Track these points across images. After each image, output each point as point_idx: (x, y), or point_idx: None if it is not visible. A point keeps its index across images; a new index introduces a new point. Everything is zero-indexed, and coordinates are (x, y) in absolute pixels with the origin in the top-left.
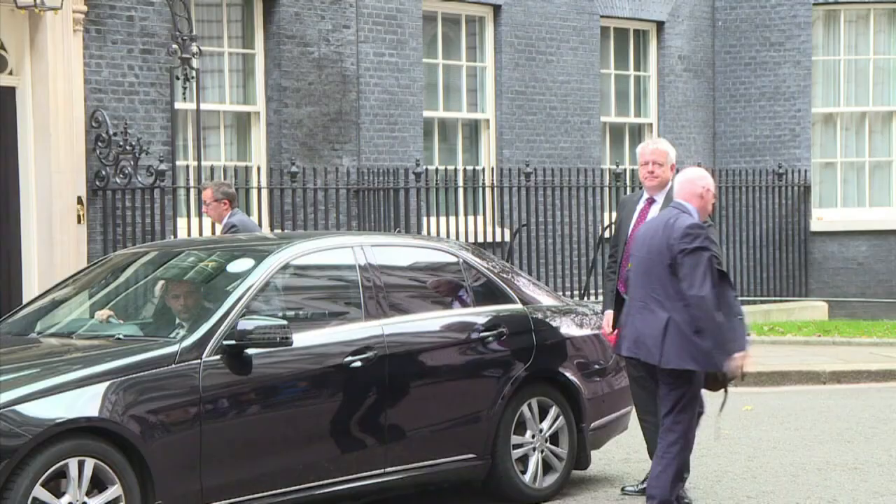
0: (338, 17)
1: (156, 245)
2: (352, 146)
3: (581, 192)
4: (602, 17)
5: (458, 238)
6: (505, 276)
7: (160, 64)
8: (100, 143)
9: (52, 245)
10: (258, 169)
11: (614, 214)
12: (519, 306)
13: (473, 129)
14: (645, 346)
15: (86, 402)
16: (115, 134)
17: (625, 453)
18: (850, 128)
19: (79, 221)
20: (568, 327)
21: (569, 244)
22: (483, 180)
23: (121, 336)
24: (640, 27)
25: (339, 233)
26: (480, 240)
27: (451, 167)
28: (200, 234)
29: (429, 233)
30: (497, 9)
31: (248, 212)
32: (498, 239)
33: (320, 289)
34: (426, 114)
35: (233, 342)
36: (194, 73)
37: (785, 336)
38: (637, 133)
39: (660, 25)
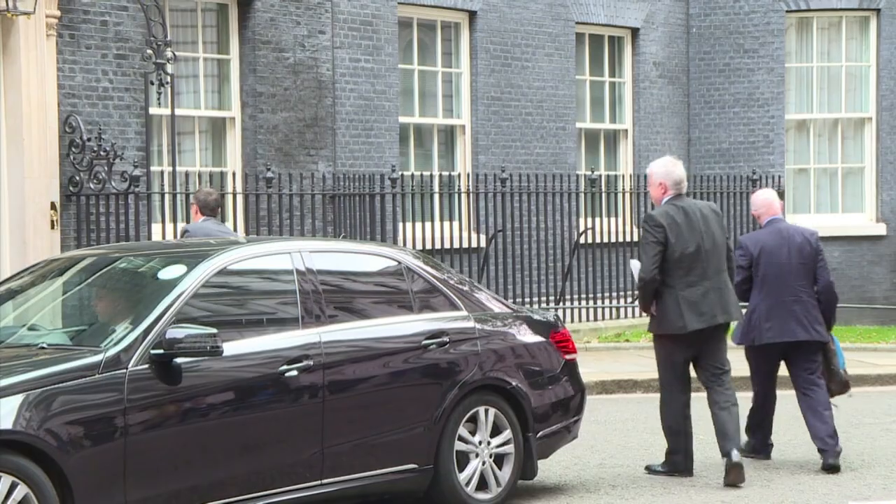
0: (313, 22)
1: (97, 249)
2: (327, 152)
3: (556, 197)
4: (577, 23)
5: (433, 244)
6: (451, 282)
7: (134, 69)
8: (73, 149)
9: (26, 251)
10: (233, 174)
11: (590, 220)
12: (463, 313)
13: (449, 134)
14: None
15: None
16: (88, 139)
17: (600, 458)
18: (822, 134)
19: (52, 227)
20: (516, 335)
21: (544, 250)
22: (459, 186)
23: (45, 345)
24: (616, 34)
25: (278, 238)
26: (456, 245)
27: (426, 173)
28: (175, 236)
29: (405, 239)
30: (472, 15)
31: (223, 217)
32: (474, 245)
33: (256, 295)
34: (402, 119)
35: (161, 351)
36: (169, 79)
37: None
38: (613, 139)
39: (635, 32)
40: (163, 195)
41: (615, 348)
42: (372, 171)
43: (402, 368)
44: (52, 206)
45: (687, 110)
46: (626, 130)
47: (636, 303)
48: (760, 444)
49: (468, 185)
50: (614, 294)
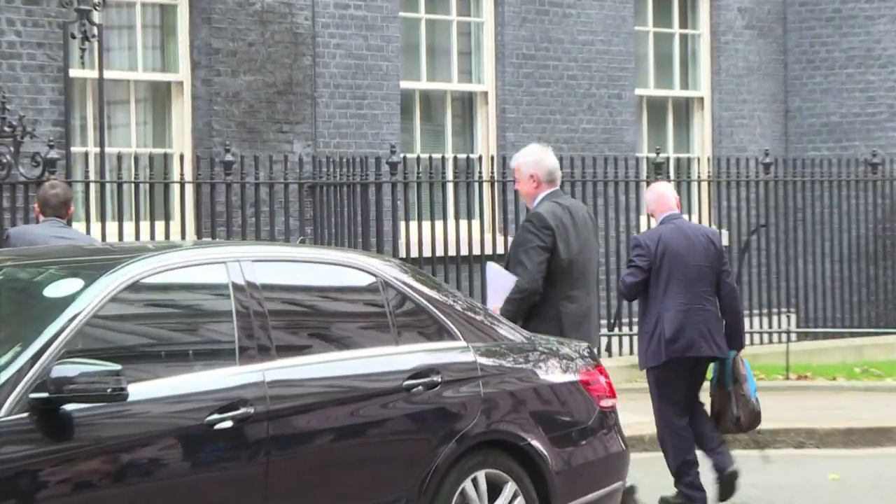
0: None
1: None
2: (305, 127)
3: (610, 188)
4: None
5: (445, 250)
6: (446, 303)
7: (50, 18)
8: None
9: None
10: (180, 157)
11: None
12: (462, 343)
13: (467, 104)
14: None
15: None
16: None
17: None
18: None
19: None
20: (535, 373)
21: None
22: (479, 173)
23: None
24: None
25: (209, 243)
26: (476, 251)
27: (437, 155)
28: (104, 239)
29: (408, 242)
30: None
31: (166, 214)
32: (500, 249)
33: (178, 319)
34: (404, 85)
35: (45, 395)
36: (96, 30)
37: (884, 381)
38: (684, 110)
39: None
40: (87, 185)
41: None
42: (364, 152)
43: (376, 418)
44: None
45: (783, 72)
46: (702, 99)
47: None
48: (697, 487)
49: (492, 173)
50: None
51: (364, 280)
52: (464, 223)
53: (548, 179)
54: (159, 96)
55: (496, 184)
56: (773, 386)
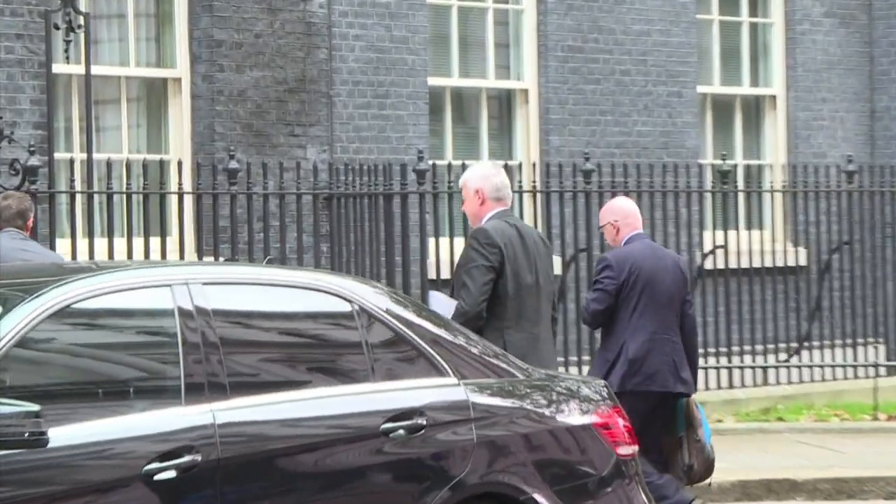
0: None
1: None
2: (320, 130)
3: (669, 199)
4: None
5: None
6: (435, 333)
7: (30, 6)
8: None
9: None
10: (179, 165)
11: (720, 234)
12: (452, 380)
13: (505, 104)
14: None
15: None
16: None
17: None
18: None
19: None
20: (540, 414)
21: None
22: (520, 182)
23: None
24: None
25: (155, 263)
26: None
27: (470, 162)
28: (92, 257)
29: (438, 261)
30: None
31: (162, 229)
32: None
33: (113, 352)
34: (433, 81)
35: None
36: (81, 20)
37: None
38: (755, 111)
39: None
40: (72, 196)
41: (761, 431)
42: (388, 159)
43: (349, 468)
44: None
45: (869, 66)
46: (775, 98)
47: (795, 358)
48: None
49: (533, 182)
50: (759, 347)
51: (336, 306)
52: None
53: (495, 197)
54: (154, 95)
55: (539, 195)
56: (859, 427)
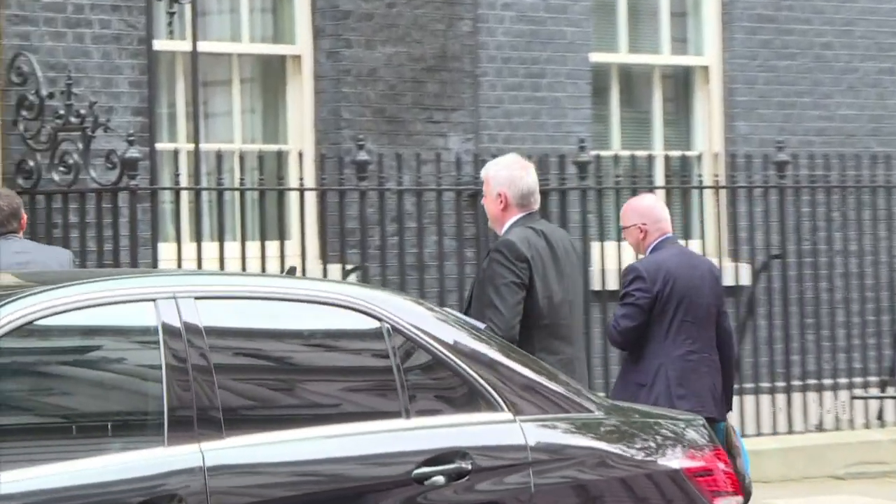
0: None
1: None
2: (464, 115)
3: (880, 195)
4: None
5: None
6: (485, 355)
7: None
8: (24, 112)
9: None
10: (299, 156)
11: None
12: (506, 415)
13: (682, 84)
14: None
15: None
16: (50, 95)
17: None
18: None
19: None
20: (616, 458)
21: (859, 289)
22: (699, 176)
23: None
24: None
25: (138, 272)
26: None
27: (641, 153)
28: (200, 263)
29: (602, 265)
30: None
31: (281, 231)
32: (729, 280)
33: (81, 380)
34: (596, 58)
35: None
36: None
37: None
38: None
39: None
40: (177, 193)
41: None
42: (543, 149)
43: None
44: None
45: None
46: None
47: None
48: None
49: (716, 176)
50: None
51: (361, 324)
52: (681, 243)
53: (519, 203)
54: (271, 75)
55: (723, 191)
56: None
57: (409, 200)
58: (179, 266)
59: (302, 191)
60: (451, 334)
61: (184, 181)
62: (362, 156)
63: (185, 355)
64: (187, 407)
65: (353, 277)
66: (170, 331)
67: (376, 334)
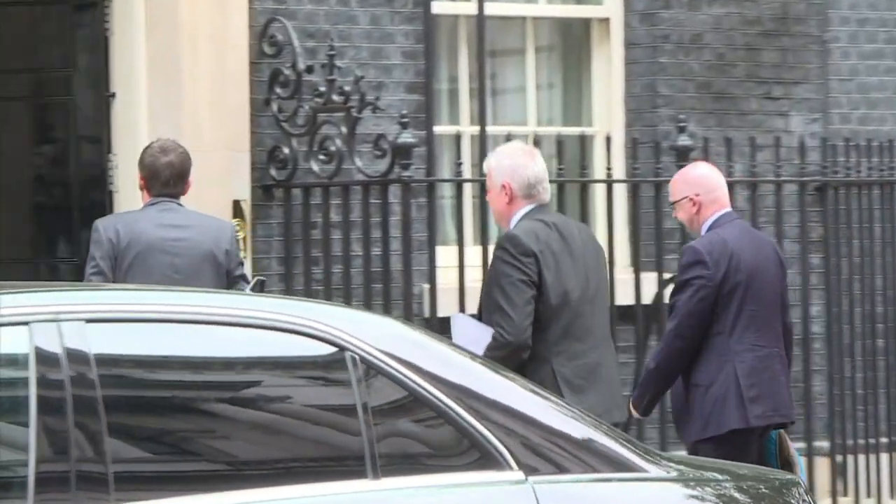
0: None
1: None
2: (810, 91)
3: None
4: None
5: None
6: (481, 394)
7: None
8: (278, 90)
9: None
10: (606, 141)
11: None
12: (513, 474)
13: None
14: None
15: None
16: (309, 69)
17: None
18: None
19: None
20: None
21: None
22: None
23: None
24: None
25: (15, 286)
26: None
27: None
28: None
29: None
30: None
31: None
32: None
33: None
34: None
35: None
36: None
37: None
38: None
39: None
40: (458, 186)
41: None
42: None
43: None
44: (237, 211)
45: None
46: None
47: None
48: None
49: None
50: None
51: (313, 351)
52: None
53: (526, 194)
54: (572, 43)
55: None
56: None
57: (741, 194)
58: (462, 275)
59: (609, 183)
60: (441, 364)
61: (467, 172)
62: (683, 140)
63: (62, 391)
64: (63, 460)
65: None
66: (44, 359)
67: (334, 365)
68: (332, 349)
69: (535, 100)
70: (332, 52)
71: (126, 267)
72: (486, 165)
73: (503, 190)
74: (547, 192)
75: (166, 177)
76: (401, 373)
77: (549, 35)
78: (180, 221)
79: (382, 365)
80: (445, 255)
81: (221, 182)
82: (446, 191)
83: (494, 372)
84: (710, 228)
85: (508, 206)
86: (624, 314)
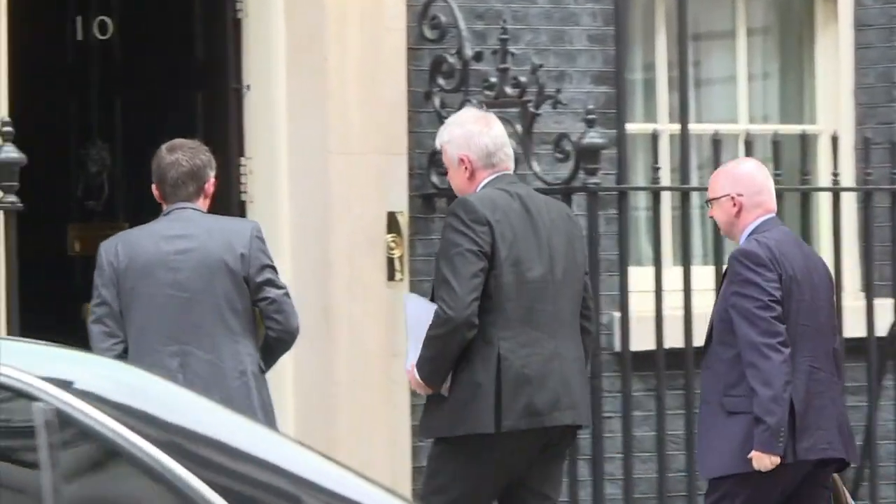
0: None
1: None
2: None
3: None
4: None
5: None
6: (225, 459)
7: None
8: (441, 81)
9: (329, 326)
10: (832, 142)
11: None
12: None
13: None
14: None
15: None
16: (477, 56)
17: None
18: None
19: (390, 275)
20: None
21: None
22: None
23: None
24: None
25: None
26: None
27: None
28: (688, 300)
29: None
30: None
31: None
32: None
33: None
34: None
35: None
36: None
37: None
38: None
39: None
40: (655, 195)
41: None
42: None
43: None
44: (392, 225)
45: None
46: None
47: None
48: None
49: None
50: None
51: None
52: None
53: (486, 164)
54: (791, 25)
55: None
56: None
57: None
58: (659, 301)
59: (836, 191)
60: (184, 418)
61: (665, 178)
62: None
63: None
64: None
65: None
66: None
67: (21, 424)
68: (24, 402)
69: (746, 92)
70: (504, 37)
71: (129, 290)
72: (437, 141)
73: (461, 164)
74: (510, 160)
75: (173, 178)
76: (119, 434)
77: (765, 15)
78: (186, 230)
79: (91, 423)
80: (640, 278)
81: (374, 191)
82: (641, 201)
83: (263, 431)
84: (752, 232)
85: (470, 181)
86: (854, 348)
